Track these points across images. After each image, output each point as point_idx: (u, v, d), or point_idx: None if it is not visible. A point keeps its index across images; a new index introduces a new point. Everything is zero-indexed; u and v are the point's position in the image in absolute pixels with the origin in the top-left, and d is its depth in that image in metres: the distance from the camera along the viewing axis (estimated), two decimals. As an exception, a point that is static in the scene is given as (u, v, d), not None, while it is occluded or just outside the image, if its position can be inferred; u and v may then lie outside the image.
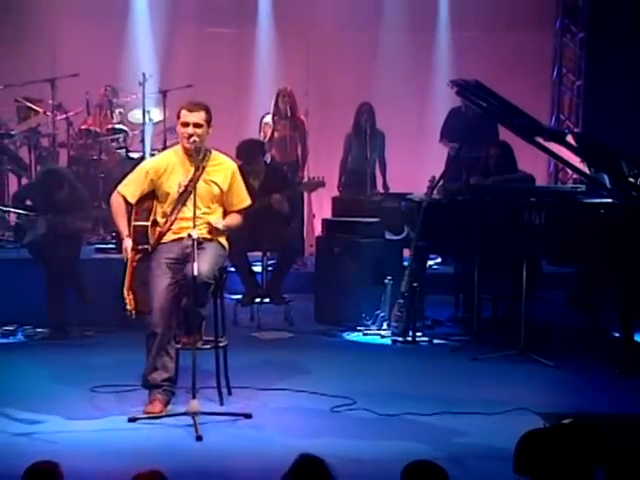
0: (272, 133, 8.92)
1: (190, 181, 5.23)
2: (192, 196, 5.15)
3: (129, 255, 5.24)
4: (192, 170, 5.25)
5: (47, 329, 7.03)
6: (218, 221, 5.30)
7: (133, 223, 5.30)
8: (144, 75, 8.93)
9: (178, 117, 5.35)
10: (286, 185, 7.76)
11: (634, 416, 5.20)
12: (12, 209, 7.86)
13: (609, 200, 6.49)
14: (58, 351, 6.57)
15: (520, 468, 4.22)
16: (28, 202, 7.55)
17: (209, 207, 5.31)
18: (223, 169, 5.39)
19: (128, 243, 5.26)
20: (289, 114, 8.94)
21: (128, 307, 5.22)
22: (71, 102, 9.24)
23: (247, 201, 5.50)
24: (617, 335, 6.45)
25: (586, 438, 3.89)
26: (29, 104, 9.12)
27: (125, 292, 5.22)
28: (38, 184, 7.60)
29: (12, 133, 8.93)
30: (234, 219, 5.42)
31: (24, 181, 8.80)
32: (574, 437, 3.91)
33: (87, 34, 9.86)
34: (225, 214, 5.42)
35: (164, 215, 5.31)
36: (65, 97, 9.15)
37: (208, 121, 5.29)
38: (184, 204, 5.25)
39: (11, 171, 8.97)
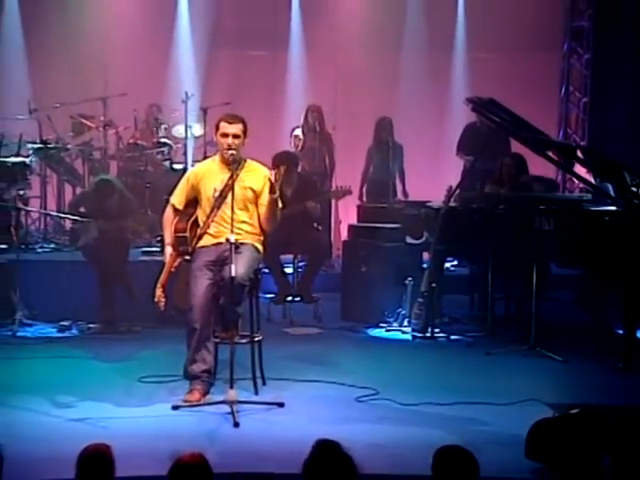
0: (302, 145, 8.93)
1: (225, 187, 5.24)
2: (227, 201, 5.17)
3: (167, 259, 5.34)
4: (227, 177, 5.26)
5: (98, 324, 7.07)
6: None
7: (174, 225, 5.35)
8: (186, 94, 8.99)
9: (217, 128, 5.36)
10: (316, 193, 7.76)
11: (636, 407, 5.14)
12: (67, 215, 7.93)
13: (613, 208, 6.44)
14: (108, 344, 6.60)
15: (531, 454, 4.20)
16: (82, 209, 7.61)
17: (243, 210, 5.30)
18: (256, 175, 5.39)
19: (168, 250, 5.36)
20: (318, 128, 8.93)
21: (156, 300, 5.25)
22: (120, 118, 9.34)
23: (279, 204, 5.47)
24: (620, 332, 6.40)
25: (592, 426, 3.86)
26: (83, 120, 9.22)
27: (157, 286, 5.26)
28: (91, 193, 7.65)
29: (68, 147, 9.00)
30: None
31: (78, 190, 8.86)
32: (581, 425, 3.88)
33: (135, 57, 9.97)
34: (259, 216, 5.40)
35: (203, 218, 5.34)
36: (115, 114, 9.23)
37: (245, 132, 5.32)
38: (219, 208, 5.27)
39: (67, 181, 9.05)
